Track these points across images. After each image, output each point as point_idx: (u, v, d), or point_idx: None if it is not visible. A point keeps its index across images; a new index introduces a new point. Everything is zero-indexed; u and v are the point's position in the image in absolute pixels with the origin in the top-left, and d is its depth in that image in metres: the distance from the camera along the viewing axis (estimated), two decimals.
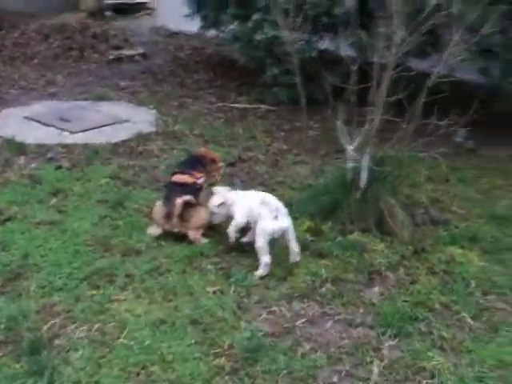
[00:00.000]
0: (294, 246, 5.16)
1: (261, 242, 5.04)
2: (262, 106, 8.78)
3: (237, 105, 8.78)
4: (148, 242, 5.33)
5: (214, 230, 5.52)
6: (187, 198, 5.37)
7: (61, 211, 5.75)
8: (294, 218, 5.38)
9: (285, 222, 5.10)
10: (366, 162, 5.61)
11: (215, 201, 5.38)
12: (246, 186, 6.51)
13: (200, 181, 5.63)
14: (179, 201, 5.30)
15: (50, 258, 5.01)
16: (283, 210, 5.12)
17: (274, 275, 5.03)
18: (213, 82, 9.74)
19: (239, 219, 5.25)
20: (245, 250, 5.30)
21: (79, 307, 4.49)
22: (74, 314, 4.44)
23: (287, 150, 7.53)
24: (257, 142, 7.64)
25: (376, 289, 4.99)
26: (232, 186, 6.41)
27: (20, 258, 4.99)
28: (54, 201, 5.89)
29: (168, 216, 5.36)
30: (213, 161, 5.86)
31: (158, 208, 5.47)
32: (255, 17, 8.52)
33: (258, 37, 8.39)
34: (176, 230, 5.39)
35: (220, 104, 8.79)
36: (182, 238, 5.38)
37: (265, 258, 5.02)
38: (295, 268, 5.13)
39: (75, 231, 5.40)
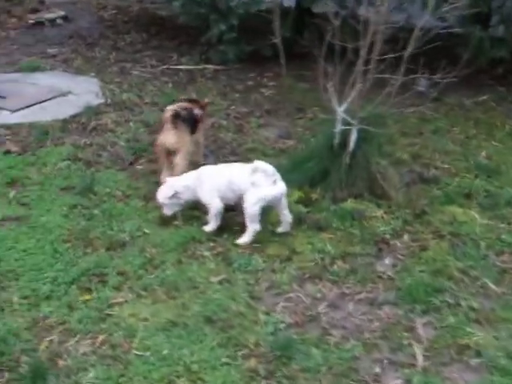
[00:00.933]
0: (288, 215, 4.86)
1: (255, 210, 4.70)
2: (209, 66, 8.19)
3: (181, 67, 8.15)
4: (131, 232, 4.78)
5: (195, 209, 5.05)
6: (178, 109, 5.37)
7: (23, 204, 5.08)
8: None
9: (283, 185, 4.79)
10: (356, 123, 5.23)
11: (165, 192, 4.91)
12: (217, 156, 6.03)
13: (197, 111, 5.57)
14: (170, 107, 5.42)
15: (26, 261, 4.38)
16: (278, 174, 4.77)
17: (277, 255, 4.63)
18: (148, 43, 9.02)
19: (216, 204, 4.83)
20: (235, 228, 4.86)
21: (75, 317, 3.94)
22: (71, 325, 3.88)
23: (248, 113, 7.04)
24: (214, 106, 7.09)
25: (387, 260, 4.68)
26: (204, 157, 5.96)
27: None
28: (12, 193, 5.20)
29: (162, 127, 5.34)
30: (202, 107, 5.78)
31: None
32: None
33: None
34: (170, 140, 5.23)
35: (163, 67, 8.13)
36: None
37: (255, 225, 4.71)
38: (298, 245, 4.73)
39: (46, 226, 4.77)
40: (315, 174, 5.40)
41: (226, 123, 6.72)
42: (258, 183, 4.71)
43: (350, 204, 5.23)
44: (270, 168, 4.75)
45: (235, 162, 5.53)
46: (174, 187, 4.91)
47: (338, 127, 5.26)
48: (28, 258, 4.42)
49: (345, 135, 5.32)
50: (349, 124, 5.20)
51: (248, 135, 6.53)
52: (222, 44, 8.09)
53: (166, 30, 9.47)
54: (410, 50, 5.22)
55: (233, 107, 7.15)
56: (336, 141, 5.34)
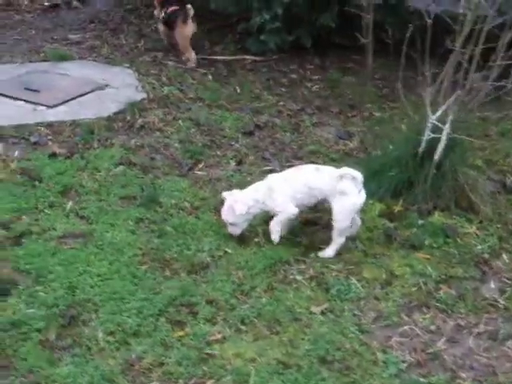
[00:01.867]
0: (359, 220, 4.56)
1: (346, 223, 4.36)
2: (247, 56, 7.66)
3: (218, 57, 7.60)
4: (210, 251, 4.31)
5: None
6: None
7: (83, 217, 4.57)
8: None
9: (365, 194, 4.45)
10: (447, 131, 4.80)
11: (239, 209, 4.33)
12: (279, 160, 5.57)
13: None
14: (188, 6, 7.09)
15: (103, 288, 3.89)
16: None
17: (375, 279, 4.20)
18: None
19: (291, 209, 4.38)
20: (322, 246, 4.41)
21: (173, 358, 3.47)
22: (170, 367, 3.42)
23: (299, 110, 6.55)
24: (262, 102, 6.61)
25: (493, 284, 4.28)
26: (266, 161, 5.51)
27: (65, 293, 3.84)
28: (69, 204, 4.68)
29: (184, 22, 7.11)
30: None
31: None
32: None
33: None
34: (194, 30, 7.24)
35: (198, 57, 7.56)
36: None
37: (342, 239, 4.38)
38: (395, 267, 4.31)
39: (115, 245, 4.27)
40: (398, 184, 4.97)
41: (279, 122, 6.23)
42: (346, 191, 4.32)
43: (438, 218, 4.82)
44: (359, 175, 4.37)
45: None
46: (246, 203, 4.39)
47: (427, 134, 4.82)
48: (104, 284, 3.92)
49: (431, 143, 4.90)
50: (435, 132, 4.78)
51: (305, 135, 6.06)
52: (262, 33, 7.55)
53: None
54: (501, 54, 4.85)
55: (281, 103, 6.66)
56: (421, 149, 4.92)
